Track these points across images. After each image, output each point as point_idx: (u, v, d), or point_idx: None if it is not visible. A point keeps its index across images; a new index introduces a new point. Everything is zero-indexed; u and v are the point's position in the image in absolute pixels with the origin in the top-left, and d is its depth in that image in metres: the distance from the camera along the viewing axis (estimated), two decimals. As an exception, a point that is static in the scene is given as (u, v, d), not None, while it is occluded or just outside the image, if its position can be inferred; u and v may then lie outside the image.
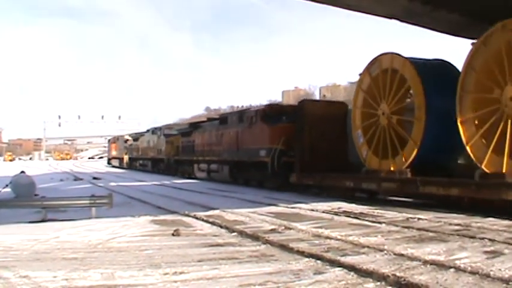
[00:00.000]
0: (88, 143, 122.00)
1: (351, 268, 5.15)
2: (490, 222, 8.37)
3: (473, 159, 10.34)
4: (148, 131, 36.14)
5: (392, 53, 12.72)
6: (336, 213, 10.10)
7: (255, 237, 7.27)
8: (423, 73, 11.90)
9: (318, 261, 5.57)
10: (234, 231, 7.90)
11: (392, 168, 12.41)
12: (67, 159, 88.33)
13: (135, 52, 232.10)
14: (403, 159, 12.14)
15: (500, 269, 4.93)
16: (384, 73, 12.85)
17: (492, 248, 6.14)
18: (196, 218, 9.64)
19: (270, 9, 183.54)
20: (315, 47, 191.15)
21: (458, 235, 7.12)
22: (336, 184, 13.90)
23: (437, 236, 7.13)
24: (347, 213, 10.03)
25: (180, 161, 27.08)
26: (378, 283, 4.64)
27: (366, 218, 9.23)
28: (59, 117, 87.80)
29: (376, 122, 13.09)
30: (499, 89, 9.96)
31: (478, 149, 10.29)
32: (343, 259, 5.57)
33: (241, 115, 19.82)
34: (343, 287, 4.60)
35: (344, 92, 69.69)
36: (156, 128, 33.88)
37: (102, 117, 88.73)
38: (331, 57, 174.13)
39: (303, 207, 11.19)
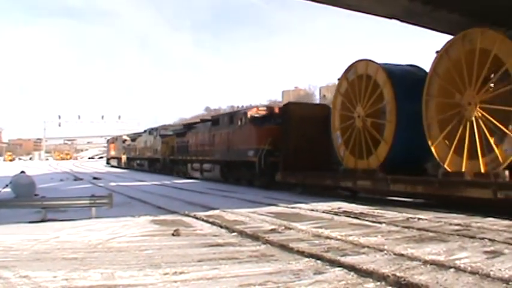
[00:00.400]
0: (88, 143, 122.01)
1: (351, 268, 5.15)
2: (490, 222, 8.37)
3: (437, 159, 11.21)
4: (145, 131, 37.14)
5: (367, 60, 13.60)
6: (336, 213, 10.10)
7: (255, 237, 7.27)
8: (395, 78, 12.76)
9: (318, 261, 5.57)
10: (234, 231, 7.90)
11: (366, 167, 13.30)
12: (67, 159, 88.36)
13: (135, 52, 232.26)
14: (376, 159, 13.04)
15: (500, 269, 4.92)
16: (359, 78, 13.71)
17: (492, 248, 6.13)
18: (196, 218, 9.64)
19: (270, 9, 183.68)
20: (315, 47, 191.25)
21: (458, 235, 7.12)
22: (317, 182, 14.85)
23: (437, 236, 7.13)
24: (347, 213, 10.03)
25: (175, 160, 27.98)
26: (378, 283, 4.64)
27: (366, 218, 9.23)
28: (59, 117, 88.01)
29: (352, 124, 14.02)
30: (459, 94, 10.85)
31: (441, 149, 11.14)
32: (343, 259, 5.57)
33: (232, 116, 20.66)
34: (343, 287, 4.60)
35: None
36: (152, 129, 34.87)
37: (102, 117, 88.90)
38: (331, 57, 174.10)
39: (303, 207, 11.19)
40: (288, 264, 5.48)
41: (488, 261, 5.41)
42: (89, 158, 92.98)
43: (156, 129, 34.04)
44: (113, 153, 49.38)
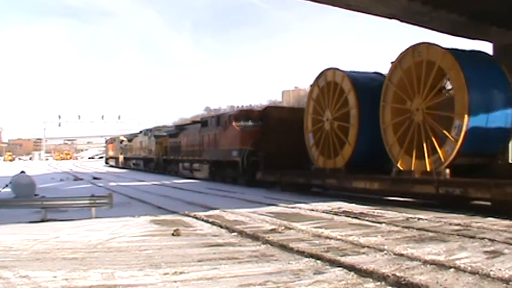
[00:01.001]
0: (88, 143, 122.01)
1: (351, 268, 5.15)
2: (490, 222, 8.37)
3: (392, 159, 12.54)
4: (141, 132, 38.43)
5: (334, 68, 14.98)
6: (336, 213, 10.10)
7: (255, 237, 7.27)
8: (358, 86, 14.04)
9: (318, 261, 5.57)
10: (234, 231, 7.90)
11: (333, 167, 14.70)
12: (67, 159, 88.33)
13: (135, 52, 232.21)
14: (342, 159, 14.44)
15: (500, 269, 4.93)
16: (328, 85, 15.07)
17: (492, 248, 6.14)
18: (196, 218, 9.64)
19: (270, 9, 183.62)
20: (314, 46, 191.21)
21: (458, 235, 7.12)
22: (292, 180, 15.98)
23: (437, 236, 7.13)
24: (347, 213, 10.03)
25: (168, 160, 29.43)
26: (378, 283, 4.64)
27: (366, 218, 9.23)
28: (59, 117, 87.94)
29: (322, 126, 15.49)
30: (410, 101, 12.12)
31: (395, 150, 12.52)
32: (343, 259, 5.57)
33: (219, 119, 21.86)
34: (343, 287, 4.60)
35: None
36: (147, 130, 36.34)
37: (102, 117, 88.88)
38: (331, 57, 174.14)
39: (303, 207, 11.19)
40: (288, 264, 5.48)
41: (488, 261, 5.41)
42: (89, 158, 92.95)
43: (150, 130, 35.42)
44: (111, 153, 50.29)
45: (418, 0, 12.09)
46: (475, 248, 6.17)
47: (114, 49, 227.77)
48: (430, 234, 7.33)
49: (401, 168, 12.17)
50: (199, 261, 5.72)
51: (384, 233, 7.56)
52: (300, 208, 11.16)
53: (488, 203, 10.06)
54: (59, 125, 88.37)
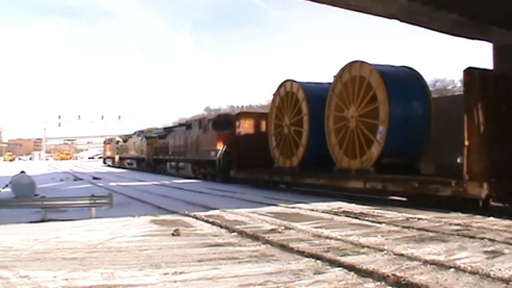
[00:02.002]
0: (88, 143, 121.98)
1: (351, 268, 5.16)
2: (490, 222, 8.38)
3: (334, 159, 14.52)
4: (135, 133, 41.32)
5: (291, 80, 16.89)
6: (336, 213, 10.11)
7: (255, 237, 7.27)
8: (311, 96, 15.95)
9: (318, 261, 5.57)
10: (234, 231, 7.90)
11: (290, 166, 16.90)
12: (67, 159, 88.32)
13: (136, 52, 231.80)
14: (297, 159, 16.49)
15: (500, 269, 4.93)
16: (287, 94, 16.99)
17: (492, 248, 6.14)
18: (196, 218, 9.64)
19: (269, 9, 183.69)
20: (314, 46, 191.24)
21: (458, 235, 7.12)
22: (258, 177, 18.32)
23: (437, 236, 7.14)
24: (347, 213, 10.04)
25: (158, 159, 31.90)
26: (378, 283, 4.64)
27: (366, 218, 9.24)
28: (59, 117, 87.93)
29: (282, 130, 17.62)
30: (347, 109, 14.03)
31: (336, 151, 14.55)
32: (343, 259, 5.57)
33: (200, 122, 24.46)
34: (343, 287, 4.60)
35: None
36: (140, 131, 39.52)
37: (102, 117, 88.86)
38: (331, 57, 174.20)
39: (303, 207, 11.19)
40: (288, 264, 5.48)
41: (488, 261, 5.41)
42: (89, 158, 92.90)
43: (142, 131, 38.54)
44: (108, 153, 52.28)
45: (418, 0, 12.07)
46: (475, 248, 6.17)
47: (114, 49, 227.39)
48: (430, 234, 7.33)
49: (341, 167, 14.24)
50: (199, 261, 5.73)
51: (383, 233, 7.56)
52: (300, 208, 11.16)
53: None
54: (59, 125, 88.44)
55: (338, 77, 14.41)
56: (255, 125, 20.21)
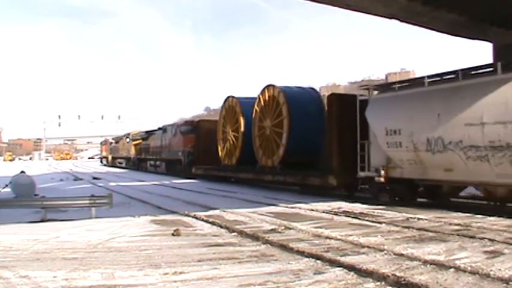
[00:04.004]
0: (88, 143, 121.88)
1: (351, 268, 5.15)
2: (490, 222, 8.37)
3: (257, 158, 18.52)
4: (124, 135, 45.91)
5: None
6: (336, 213, 10.10)
7: (255, 237, 7.27)
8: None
9: (318, 261, 5.57)
10: (234, 231, 7.90)
11: (228, 163, 21.30)
12: (67, 159, 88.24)
13: (136, 52, 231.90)
14: (235, 158, 20.65)
15: (500, 269, 4.93)
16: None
17: (492, 248, 6.14)
18: (196, 218, 9.64)
19: (270, 9, 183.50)
20: (315, 46, 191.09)
21: (458, 235, 7.12)
22: (211, 173, 22.52)
23: (437, 236, 7.13)
24: (347, 213, 10.03)
25: (140, 159, 37.10)
26: (378, 283, 4.64)
27: (366, 218, 9.23)
28: (59, 117, 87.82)
29: (227, 136, 21.57)
30: (265, 121, 18.26)
31: (259, 153, 18.55)
32: (343, 259, 5.57)
33: (172, 127, 29.40)
34: (343, 287, 4.60)
35: (344, 91, 69.67)
36: (127, 134, 44.77)
37: (102, 117, 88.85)
38: (331, 57, 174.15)
39: (303, 207, 11.19)
40: (288, 264, 5.48)
41: (488, 261, 5.41)
42: (89, 158, 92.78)
43: (129, 134, 43.68)
44: (104, 153, 57.01)
45: (418, 0, 12.08)
46: (475, 248, 6.17)
47: (114, 49, 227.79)
48: (430, 234, 7.33)
49: (261, 164, 18.32)
50: (199, 261, 5.73)
51: (383, 233, 7.56)
52: (299, 208, 11.16)
53: (491, 203, 10.09)
54: (59, 125, 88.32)
55: (260, 95, 18.56)
56: (213, 130, 23.38)
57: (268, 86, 18.10)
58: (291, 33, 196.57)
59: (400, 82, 12.65)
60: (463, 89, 9.96)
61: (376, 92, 12.76)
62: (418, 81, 11.73)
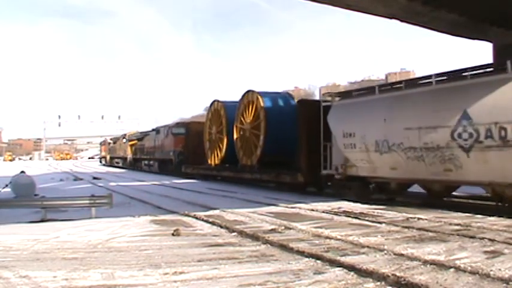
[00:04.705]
0: (88, 143, 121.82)
1: (351, 268, 5.15)
2: (490, 222, 8.37)
3: (238, 158, 19.73)
4: (121, 136, 47.78)
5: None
6: (336, 213, 10.10)
7: (255, 237, 7.27)
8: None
9: (318, 261, 5.57)
10: (234, 231, 7.90)
11: (216, 163, 22.44)
12: (67, 159, 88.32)
13: (136, 52, 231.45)
14: (218, 158, 22.13)
15: (500, 269, 4.93)
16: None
17: (492, 248, 6.14)
18: (196, 218, 9.64)
19: (270, 9, 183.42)
20: (315, 46, 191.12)
21: (458, 235, 7.12)
22: (199, 172, 24.07)
23: (437, 236, 7.13)
24: (347, 213, 10.03)
25: (136, 158, 38.46)
26: (378, 283, 4.64)
27: (366, 218, 9.23)
28: (59, 117, 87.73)
29: (212, 137, 23.03)
30: (246, 123, 19.35)
31: (240, 153, 19.72)
32: (343, 259, 5.57)
33: (164, 128, 30.62)
34: (343, 287, 4.60)
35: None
36: (124, 134, 46.62)
37: (102, 117, 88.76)
38: (331, 57, 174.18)
39: (303, 207, 11.19)
40: (288, 264, 5.48)
41: (488, 261, 5.41)
42: (89, 158, 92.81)
43: (125, 134, 45.54)
44: (103, 153, 59.25)
45: (418, 0, 12.08)
46: (475, 248, 6.17)
47: (114, 49, 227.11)
48: (430, 234, 7.33)
49: (242, 163, 19.53)
50: (199, 261, 5.73)
51: (383, 233, 7.56)
52: (299, 208, 11.16)
53: (491, 204, 10.13)
54: (59, 125, 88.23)
55: (241, 100, 19.90)
56: (202, 132, 24.30)
57: (248, 92, 19.51)
58: (291, 33, 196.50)
59: (357, 90, 14.47)
60: (405, 98, 11.37)
61: (337, 99, 13.98)
62: (371, 90, 12.97)
